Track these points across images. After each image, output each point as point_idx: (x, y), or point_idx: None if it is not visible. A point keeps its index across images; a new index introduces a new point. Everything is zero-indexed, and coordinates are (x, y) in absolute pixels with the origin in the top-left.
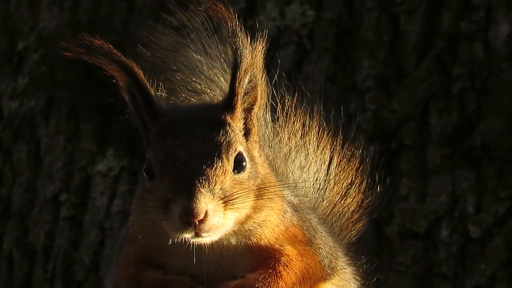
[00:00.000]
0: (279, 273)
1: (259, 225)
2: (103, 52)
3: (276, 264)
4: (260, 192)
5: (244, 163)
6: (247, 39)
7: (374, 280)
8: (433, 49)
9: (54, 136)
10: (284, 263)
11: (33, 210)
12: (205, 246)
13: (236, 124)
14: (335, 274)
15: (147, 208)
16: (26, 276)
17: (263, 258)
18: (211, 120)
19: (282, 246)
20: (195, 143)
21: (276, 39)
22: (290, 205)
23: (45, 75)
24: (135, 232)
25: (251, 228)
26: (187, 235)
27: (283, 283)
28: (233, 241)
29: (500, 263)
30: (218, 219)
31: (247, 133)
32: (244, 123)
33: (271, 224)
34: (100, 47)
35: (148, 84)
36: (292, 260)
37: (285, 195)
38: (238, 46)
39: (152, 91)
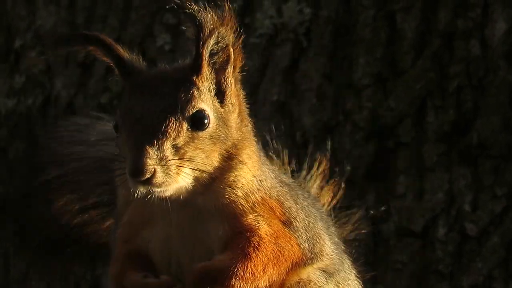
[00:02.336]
0: (249, 254)
1: (228, 186)
2: (73, 37)
3: (246, 245)
4: (231, 153)
5: (206, 121)
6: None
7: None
8: (429, 47)
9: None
10: (255, 244)
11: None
12: (169, 202)
13: (203, 83)
14: (319, 258)
15: (117, 169)
16: (23, 275)
17: (237, 231)
18: (175, 79)
19: (257, 223)
20: (153, 100)
21: (273, 37)
22: (273, 179)
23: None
24: (119, 202)
25: (219, 189)
26: (142, 190)
27: (253, 265)
28: (199, 201)
29: (497, 261)
30: (168, 177)
31: (221, 95)
32: (218, 84)
33: (244, 187)
34: (70, 35)
35: (116, 47)
36: (264, 241)
37: (272, 172)
38: (199, 10)
39: (122, 53)
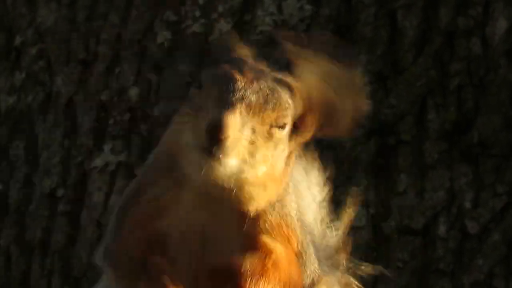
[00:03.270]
0: (266, 268)
1: (258, 196)
2: None
3: (267, 258)
4: (274, 171)
5: (287, 127)
6: None
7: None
8: (430, 45)
9: (51, 131)
10: (275, 261)
11: (30, 205)
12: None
13: (299, 102)
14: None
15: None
16: (23, 273)
17: (249, 244)
18: (282, 81)
19: (274, 245)
20: (258, 82)
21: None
22: (294, 209)
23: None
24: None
25: (252, 194)
26: (204, 146)
27: (266, 280)
28: (228, 194)
29: (498, 259)
30: (238, 150)
31: (301, 124)
32: (303, 113)
33: (267, 204)
34: None
35: None
36: (282, 262)
37: (294, 203)
38: None
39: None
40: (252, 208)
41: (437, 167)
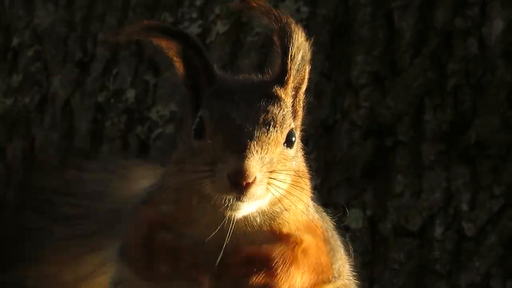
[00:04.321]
0: (296, 255)
1: (285, 209)
2: (157, 27)
3: (296, 247)
4: (296, 178)
5: (294, 139)
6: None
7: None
8: (427, 45)
9: (48, 133)
10: (304, 248)
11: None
12: (233, 222)
13: (287, 100)
14: (340, 278)
15: (192, 169)
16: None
17: (283, 242)
18: (267, 92)
19: (303, 236)
20: (250, 109)
21: (271, 36)
22: (313, 208)
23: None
24: (164, 192)
25: (278, 210)
26: (230, 197)
27: (296, 266)
28: (258, 219)
29: (495, 261)
30: (263, 189)
31: (294, 114)
32: (292, 103)
33: (296, 212)
34: (154, 25)
35: (205, 50)
36: (311, 249)
37: (313, 205)
38: (289, 23)
39: (209, 58)
40: (274, 222)
41: (434, 168)
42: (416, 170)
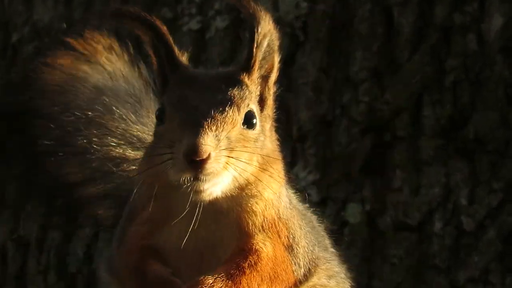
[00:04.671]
0: (243, 269)
1: (253, 196)
2: (127, 13)
3: (242, 262)
4: (263, 162)
5: (254, 120)
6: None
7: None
8: (426, 41)
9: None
10: (251, 263)
11: (26, 202)
12: (200, 207)
13: (252, 86)
14: (312, 276)
15: (155, 154)
16: (19, 269)
17: (241, 248)
18: (228, 77)
19: (263, 244)
20: (209, 92)
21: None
22: (287, 198)
23: None
24: (138, 199)
25: (245, 196)
26: (188, 176)
27: (247, 280)
28: (225, 205)
29: (493, 255)
30: (219, 166)
31: (262, 102)
32: (260, 91)
33: (264, 199)
34: (124, 10)
35: (171, 39)
36: (262, 262)
37: (287, 191)
38: (256, 10)
39: (174, 46)
40: (240, 209)
41: (432, 163)
42: (415, 165)
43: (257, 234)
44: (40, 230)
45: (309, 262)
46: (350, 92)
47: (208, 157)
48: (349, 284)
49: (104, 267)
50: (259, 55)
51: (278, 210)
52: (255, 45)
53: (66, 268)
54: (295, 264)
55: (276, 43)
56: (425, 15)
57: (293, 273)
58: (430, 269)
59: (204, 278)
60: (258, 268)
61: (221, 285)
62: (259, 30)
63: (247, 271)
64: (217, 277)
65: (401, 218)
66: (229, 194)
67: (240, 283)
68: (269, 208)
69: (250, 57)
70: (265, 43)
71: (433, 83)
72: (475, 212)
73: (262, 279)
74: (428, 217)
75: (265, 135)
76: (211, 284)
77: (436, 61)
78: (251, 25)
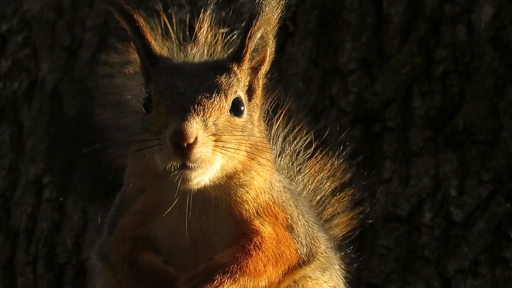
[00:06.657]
0: (249, 252)
1: (242, 186)
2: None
3: (247, 243)
4: (251, 151)
5: (242, 108)
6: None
7: (356, 263)
8: (416, 31)
9: (36, 118)
10: (256, 243)
11: (15, 192)
12: (190, 197)
13: (241, 76)
14: (314, 259)
15: (142, 142)
16: (8, 259)
17: (241, 233)
18: (216, 66)
19: (262, 225)
20: (196, 79)
21: None
22: (280, 183)
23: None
24: (129, 191)
25: (233, 187)
26: (175, 163)
27: (254, 261)
28: (213, 195)
29: (483, 246)
30: (207, 151)
31: (251, 92)
32: (250, 82)
33: (255, 188)
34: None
35: (148, 32)
36: (265, 242)
37: (278, 177)
38: (260, 3)
39: (151, 39)
40: (230, 199)
41: (422, 154)
42: (404, 156)
43: (254, 220)
44: (29, 221)
45: (311, 242)
46: (339, 82)
47: (195, 141)
48: (343, 279)
49: (95, 256)
50: (250, 46)
51: (272, 196)
52: (248, 36)
53: (55, 258)
54: (297, 242)
55: (271, 38)
56: (415, 6)
57: (297, 251)
58: (419, 260)
59: (208, 264)
60: (264, 249)
61: (228, 271)
62: (256, 22)
63: (253, 253)
64: (223, 263)
65: (391, 209)
66: (217, 183)
67: (247, 266)
68: (261, 195)
69: (241, 47)
70: (258, 35)
71: (422, 73)
72: (465, 203)
73: (268, 259)
74: (418, 208)
75: (253, 124)
76: (218, 271)
77: (425, 51)
78: (252, 13)
